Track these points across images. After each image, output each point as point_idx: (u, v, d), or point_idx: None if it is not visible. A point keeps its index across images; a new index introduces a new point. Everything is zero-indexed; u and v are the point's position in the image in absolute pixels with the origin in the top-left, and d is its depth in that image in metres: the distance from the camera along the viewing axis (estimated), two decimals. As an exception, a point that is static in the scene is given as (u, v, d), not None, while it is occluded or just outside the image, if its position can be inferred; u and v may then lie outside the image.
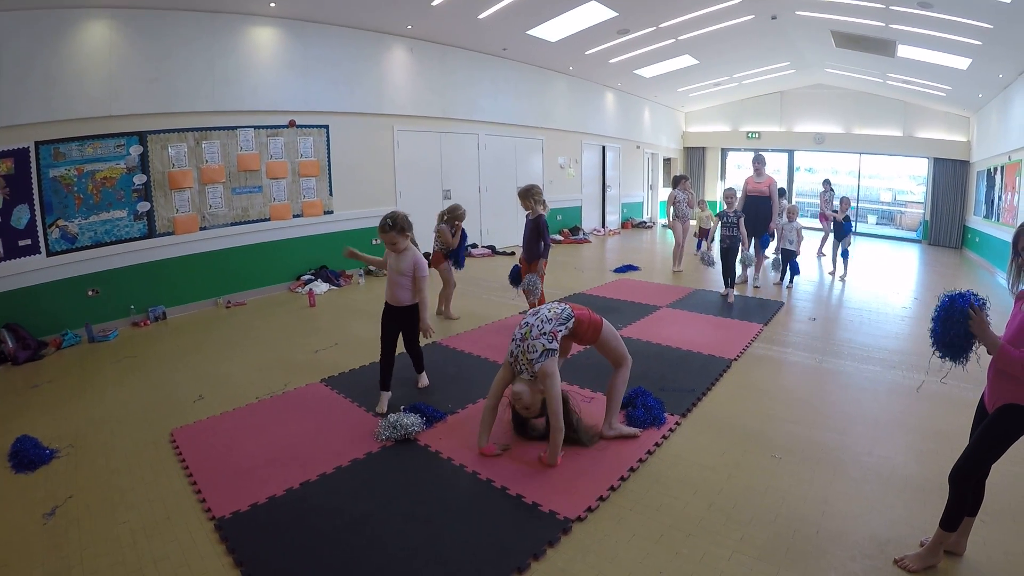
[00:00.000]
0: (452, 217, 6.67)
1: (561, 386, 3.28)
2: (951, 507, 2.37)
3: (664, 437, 3.69)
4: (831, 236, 9.86)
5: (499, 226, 11.81)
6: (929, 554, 2.42)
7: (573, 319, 3.40)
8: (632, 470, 3.28)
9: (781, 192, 10.29)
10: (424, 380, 4.51)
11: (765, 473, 3.27)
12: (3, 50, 5.43)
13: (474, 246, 11.12)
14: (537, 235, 5.74)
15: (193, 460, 3.42)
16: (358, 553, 2.59)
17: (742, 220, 7.25)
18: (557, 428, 3.20)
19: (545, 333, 3.27)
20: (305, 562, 2.54)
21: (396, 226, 4.02)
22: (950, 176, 13.82)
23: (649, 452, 3.49)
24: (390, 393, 4.19)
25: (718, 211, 7.86)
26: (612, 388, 3.65)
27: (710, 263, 7.75)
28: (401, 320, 4.22)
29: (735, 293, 7.34)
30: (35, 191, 5.71)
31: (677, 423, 3.89)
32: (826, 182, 11.69)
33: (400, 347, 4.27)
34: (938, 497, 2.90)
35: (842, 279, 8.93)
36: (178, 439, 3.70)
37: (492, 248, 11.33)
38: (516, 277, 5.98)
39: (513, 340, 3.39)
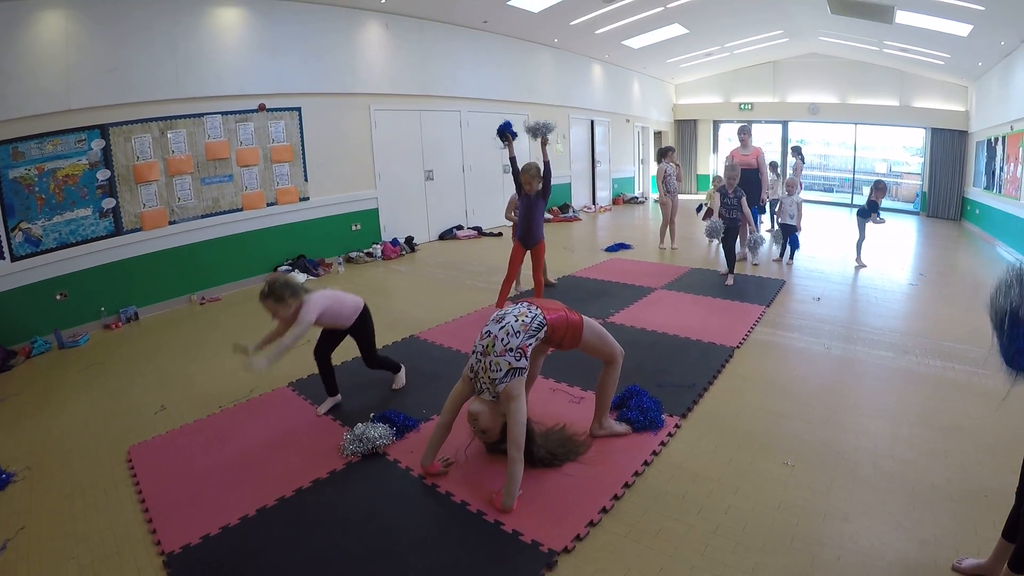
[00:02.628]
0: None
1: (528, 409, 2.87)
2: None
3: (662, 444, 3.34)
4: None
5: (485, 206, 11.45)
6: None
7: (546, 328, 2.93)
8: (627, 486, 2.94)
9: (773, 166, 9.97)
10: (400, 380, 4.19)
11: (777, 484, 2.93)
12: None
13: (459, 227, 10.82)
14: (542, 212, 5.52)
15: (147, 483, 3.15)
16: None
17: (744, 200, 6.81)
18: (516, 460, 2.72)
19: (512, 349, 2.79)
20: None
21: (273, 294, 3.46)
22: (948, 147, 13.47)
23: (646, 463, 3.14)
24: (338, 397, 3.96)
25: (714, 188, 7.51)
26: (602, 387, 3.30)
27: (716, 234, 6.99)
28: (343, 336, 3.93)
29: (735, 275, 6.97)
30: (-5, 194, 5.40)
31: (677, 426, 3.55)
32: (795, 149, 11.16)
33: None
34: (968, 508, 2.67)
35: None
36: (134, 458, 3.43)
37: (478, 229, 11.00)
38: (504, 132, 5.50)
39: (473, 352, 2.93)
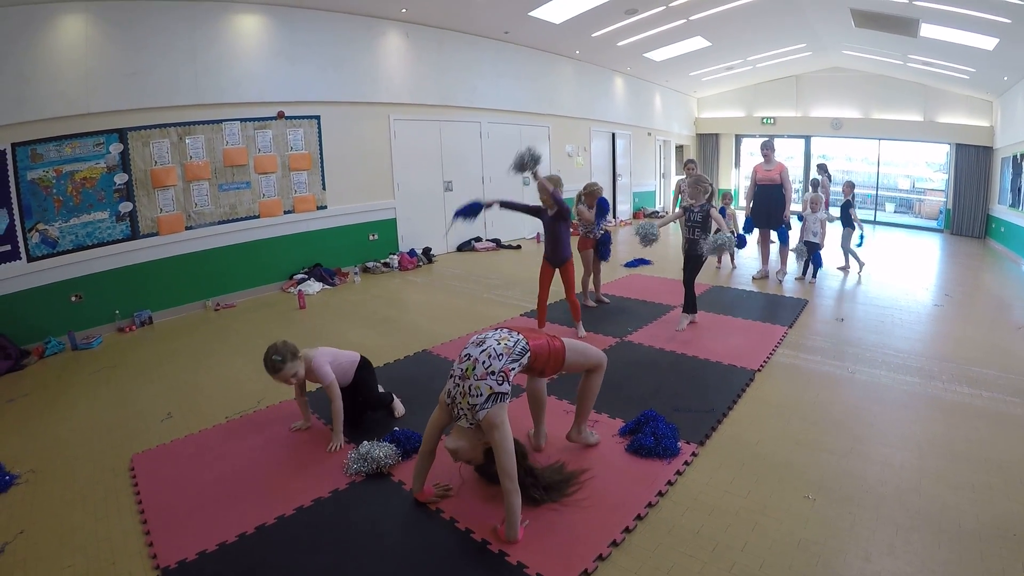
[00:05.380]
0: (588, 194, 6.48)
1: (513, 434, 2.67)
2: None
3: (678, 473, 3.19)
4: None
5: (504, 218, 11.36)
6: None
7: (529, 354, 2.81)
8: (639, 518, 2.80)
9: (815, 184, 9.82)
10: (399, 409, 3.97)
11: (797, 520, 2.78)
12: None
13: (478, 239, 10.76)
14: (566, 230, 5.45)
15: (147, 494, 3.10)
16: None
17: (714, 212, 5.46)
18: (512, 491, 2.56)
19: (493, 372, 2.63)
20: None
21: (286, 357, 3.39)
22: (972, 163, 13.23)
23: (660, 493, 3.00)
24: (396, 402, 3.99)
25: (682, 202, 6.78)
26: (584, 392, 3.26)
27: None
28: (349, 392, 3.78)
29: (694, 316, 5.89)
30: (13, 195, 5.46)
31: (694, 454, 3.40)
32: (821, 167, 11.12)
33: None
34: (996, 548, 2.53)
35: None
36: (137, 467, 3.39)
37: (497, 241, 10.94)
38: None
39: (451, 377, 2.76)
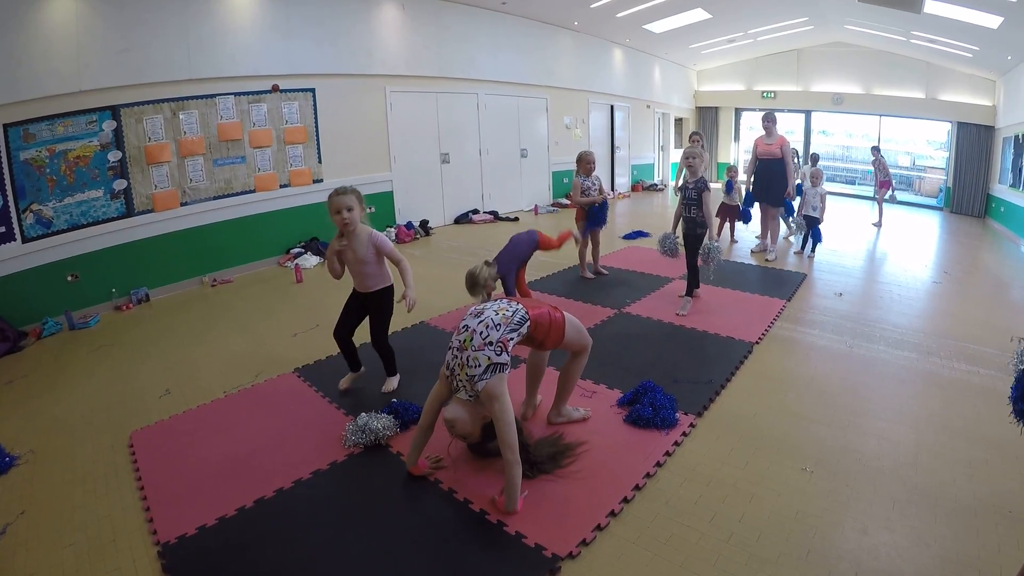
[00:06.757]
0: (578, 162, 6.49)
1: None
2: None
3: (676, 444, 3.20)
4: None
5: (502, 190, 11.38)
6: None
7: (528, 323, 2.77)
8: (637, 488, 2.81)
9: (815, 158, 9.75)
10: (392, 384, 3.96)
11: (795, 492, 2.79)
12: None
13: (475, 211, 10.71)
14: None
15: (147, 470, 3.10)
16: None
17: (705, 195, 5.13)
18: (512, 462, 2.54)
19: (491, 343, 2.60)
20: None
21: (354, 195, 3.61)
22: (974, 142, 13.13)
23: (658, 464, 3.01)
24: (362, 370, 3.99)
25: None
26: (569, 375, 3.23)
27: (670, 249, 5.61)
28: (369, 305, 3.83)
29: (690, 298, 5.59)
30: (6, 176, 5.36)
31: (692, 425, 3.41)
32: (875, 149, 11.32)
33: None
34: (991, 524, 2.54)
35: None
36: (136, 444, 3.39)
37: (494, 213, 10.88)
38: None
39: (450, 348, 2.72)
